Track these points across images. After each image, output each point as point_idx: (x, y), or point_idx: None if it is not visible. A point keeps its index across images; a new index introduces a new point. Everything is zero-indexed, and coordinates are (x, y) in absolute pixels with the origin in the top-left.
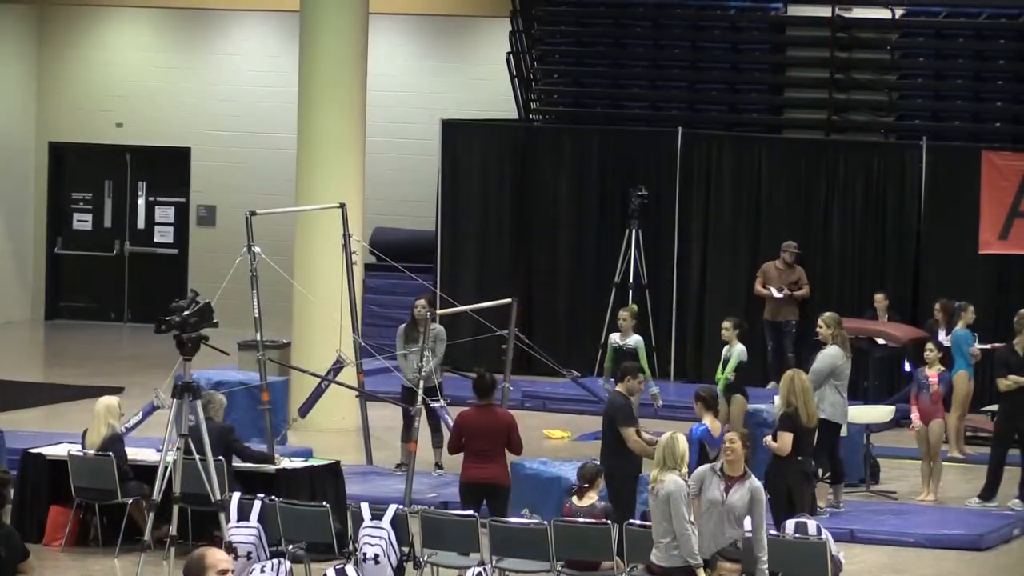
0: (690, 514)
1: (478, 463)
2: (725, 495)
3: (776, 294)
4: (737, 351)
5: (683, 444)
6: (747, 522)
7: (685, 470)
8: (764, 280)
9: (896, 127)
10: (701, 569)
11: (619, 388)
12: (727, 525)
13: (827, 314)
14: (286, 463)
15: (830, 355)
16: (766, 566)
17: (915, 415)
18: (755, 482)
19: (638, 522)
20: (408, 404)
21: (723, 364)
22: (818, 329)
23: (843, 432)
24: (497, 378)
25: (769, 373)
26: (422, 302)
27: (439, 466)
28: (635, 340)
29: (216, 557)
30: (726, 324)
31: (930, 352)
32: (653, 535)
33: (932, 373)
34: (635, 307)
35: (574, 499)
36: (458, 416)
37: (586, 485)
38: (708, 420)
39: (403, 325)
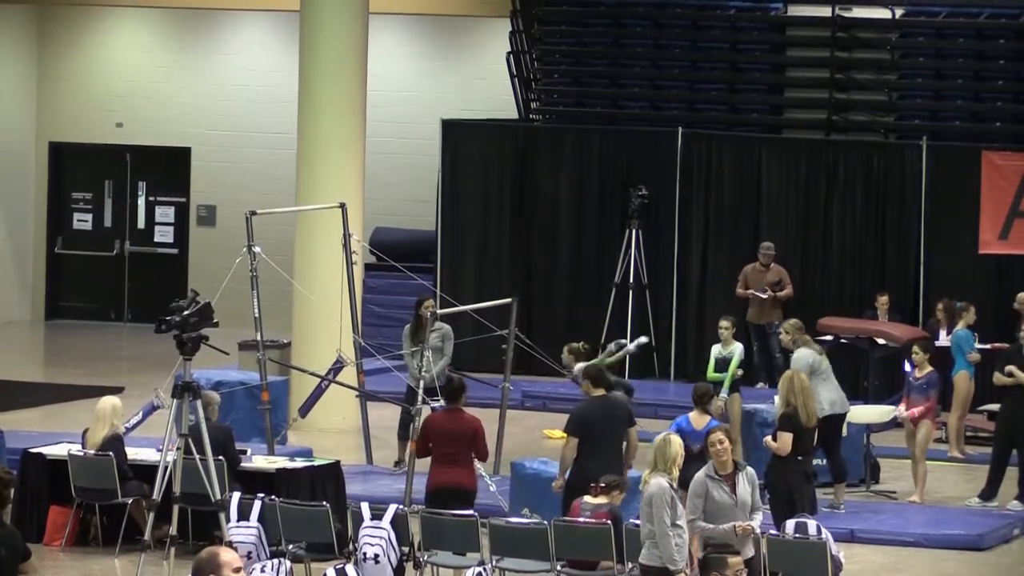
0: (674, 517)
1: (444, 467)
2: (733, 494)
3: (760, 295)
4: (738, 350)
5: (675, 446)
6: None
7: (675, 472)
8: (745, 283)
9: (896, 127)
10: (681, 573)
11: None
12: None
13: (788, 321)
14: (259, 459)
15: (800, 358)
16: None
17: (902, 407)
18: (748, 468)
19: (638, 523)
20: (412, 404)
21: (715, 362)
22: (781, 338)
23: (844, 431)
24: (495, 379)
25: (757, 373)
26: (431, 302)
27: None
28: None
29: (229, 555)
30: (725, 323)
31: (916, 355)
32: (641, 535)
33: (920, 375)
34: (578, 345)
35: (587, 496)
36: (425, 420)
37: (604, 485)
38: (693, 414)
39: (407, 325)
